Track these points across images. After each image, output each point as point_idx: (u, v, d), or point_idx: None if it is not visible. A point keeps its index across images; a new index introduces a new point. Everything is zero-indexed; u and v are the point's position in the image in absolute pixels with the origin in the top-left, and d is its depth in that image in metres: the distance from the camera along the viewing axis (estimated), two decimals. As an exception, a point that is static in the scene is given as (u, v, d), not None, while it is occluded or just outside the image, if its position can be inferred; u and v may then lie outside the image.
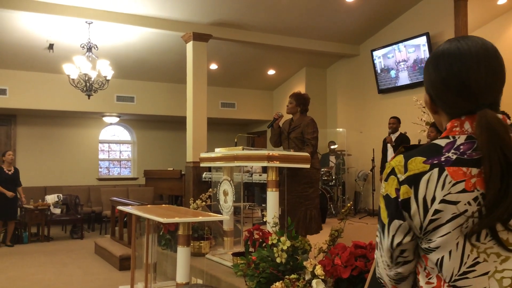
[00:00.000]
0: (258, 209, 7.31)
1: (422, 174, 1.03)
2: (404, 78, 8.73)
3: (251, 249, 3.96)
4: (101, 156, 12.17)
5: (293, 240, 3.54)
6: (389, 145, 7.06)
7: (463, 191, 1.00)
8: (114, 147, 12.54)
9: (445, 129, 1.11)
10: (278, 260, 3.42)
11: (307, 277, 3.25)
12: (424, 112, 7.99)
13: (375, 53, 9.19)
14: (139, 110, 10.97)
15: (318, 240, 3.90)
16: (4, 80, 9.52)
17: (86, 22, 7.65)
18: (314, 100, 10.49)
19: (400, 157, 1.08)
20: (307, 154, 4.36)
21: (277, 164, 4.08)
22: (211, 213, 4.61)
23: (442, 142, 1.07)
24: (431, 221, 1.02)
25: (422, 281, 1.08)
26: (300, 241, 3.55)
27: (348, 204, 3.95)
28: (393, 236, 1.07)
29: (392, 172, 1.08)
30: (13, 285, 5.46)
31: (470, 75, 1.05)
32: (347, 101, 10.59)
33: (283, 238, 3.50)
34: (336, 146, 9.89)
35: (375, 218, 8.46)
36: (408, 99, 8.46)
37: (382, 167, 7.18)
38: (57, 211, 9.05)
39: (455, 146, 1.05)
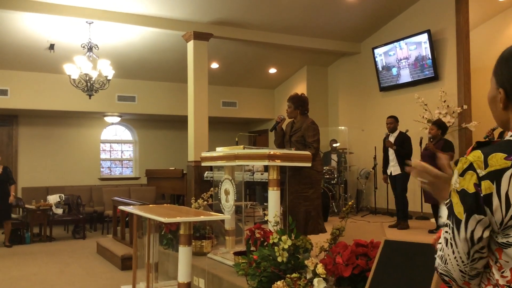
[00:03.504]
0: (259, 208, 7.30)
1: (505, 170, 1.06)
2: (405, 76, 8.71)
3: (252, 248, 3.95)
4: (102, 156, 12.18)
5: (294, 239, 3.53)
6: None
7: None
8: (116, 147, 12.54)
9: None
10: (279, 259, 3.41)
11: (309, 276, 3.24)
12: (425, 110, 7.98)
13: (376, 50, 9.17)
14: (141, 110, 10.97)
15: (320, 239, 3.89)
16: (5, 80, 9.53)
17: (86, 22, 7.65)
18: (315, 99, 10.57)
19: (478, 153, 1.10)
20: (308, 153, 4.35)
21: (278, 163, 4.07)
22: (213, 213, 4.60)
23: None
24: None
25: (496, 274, 1.10)
26: (301, 240, 3.55)
27: (350, 203, 3.95)
28: (472, 231, 1.08)
29: (470, 167, 1.09)
30: (15, 285, 5.47)
31: None
32: (348, 99, 10.57)
33: (284, 237, 3.49)
34: (337, 144, 9.87)
35: (377, 216, 8.45)
36: (410, 97, 8.44)
37: (385, 166, 7.15)
38: (59, 211, 9.06)
39: None
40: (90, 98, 8.07)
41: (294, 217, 4.61)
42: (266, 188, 4.29)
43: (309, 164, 4.30)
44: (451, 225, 1.12)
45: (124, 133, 12.59)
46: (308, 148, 4.77)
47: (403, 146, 6.82)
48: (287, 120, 5.19)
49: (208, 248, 4.95)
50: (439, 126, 6.57)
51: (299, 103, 4.99)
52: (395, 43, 8.76)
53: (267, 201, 4.18)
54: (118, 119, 11.59)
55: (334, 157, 9.60)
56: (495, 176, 1.05)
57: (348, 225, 3.85)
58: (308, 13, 8.35)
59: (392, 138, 6.97)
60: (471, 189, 1.07)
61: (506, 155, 1.07)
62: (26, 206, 8.67)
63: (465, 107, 7.71)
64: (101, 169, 12.09)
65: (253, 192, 8.71)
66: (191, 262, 3.68)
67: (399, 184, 6.86)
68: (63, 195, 9.42)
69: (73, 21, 7.65)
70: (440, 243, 1.18)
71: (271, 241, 3.58)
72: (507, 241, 1.06)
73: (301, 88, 10.87)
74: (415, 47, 8.42)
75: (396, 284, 2.74)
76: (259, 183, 7.74)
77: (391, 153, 6.93)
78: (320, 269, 3.16)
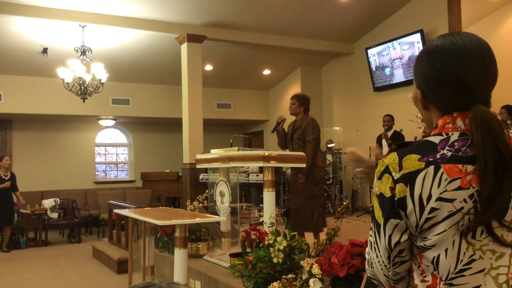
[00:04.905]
0: (255, 209, 7.31)
1: (418, 172, 1.01)
2: (399, 76, 8.74)
3: (248, 250, 3.95)
4: (97, 159, 12.14)
5: (289, 240, 3.54)
6: (384, 142, 7.07)
7: (459, 188, 0.99)
8: (111, 150, 12.51)
9: (436, 126, 1.09)
10: (275, 260, 3.42)
11: (304, 276, 3.24)
12: (419, 109, 8.01)
13: (369, 51, 9.20)
14: (135, 113, 10.94)
15: (315, 240, 3.90)
16: (-2, 85, 9.49)
17: (79, 25, 7.63)
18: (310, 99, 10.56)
19: (394, 155, 1.06)
20: (303, 153, 4.37)
21: (273, 164, 4.08)
22: (208, 215, 4.60)
23: (435, 139, 1.05)
24: (427, 219, 1.00)
25: (417, 279, 1.06)
26: (296, 241, 3.55)
27: (345, 203, 3.96)
28: (390, 236, 1.05)
29: (386, 170, 1.05)
30: (11, 291, 5.45)
31: (466, 71, 1.03)
32: (342, 100, 10.59)
33: (279, 238, 3.49)
34: (333, 144, 9.89)
35: (373, 216, 8.46)
36: (404, 96, 8.46)
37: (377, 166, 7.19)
38: (54, 215, 9.02)
39: (449, 143, 1.03)
40: (84, 101, 8.05)
41: (302, 216, 4.68)
42: (261, 189, 4.30)
43: (304, 165, 4.32)
44: (373, 228, 1.09)
45: (119, 136, 12.56)
46: (306, 146, 4.86)
47: None
48: (288, 120, 5.28)
49: (204, 250, 4.95)
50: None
51: (303, 101, 5.15)
52: (388, 43, 8.79)
53: (262, 202, 4.19)
54: (113, 122, 11.56)
55: (329, 157, 9.61)
56: (409, 179, 1.01)
57: (344, 225, 3.87)
58: (301, 14, 8.37)
59: (388, 135, 7.05)
60: (388, 193, 1.04)
61: (420, 156, 1.02)
62: (21, 210, 8.64)
63: (458, 106, 7.74)
64: (96, 173, 12.05)
65: (249, 193, 8.72)
66: (187, 265, 3.67)
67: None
68: (58, 199, 9.38)
69: (66, 25, 7.62)
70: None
71: (266, 242, 3.58)
72: (425, 245, 1.02)
73: (295, 89, 10.88)
74: (408, 47, 8.46)
75: (391, 283, 2.75)
76: (254, 184, 7.75)
77: (385, 151, 6.98)
78: (315, 269, 3.16)
